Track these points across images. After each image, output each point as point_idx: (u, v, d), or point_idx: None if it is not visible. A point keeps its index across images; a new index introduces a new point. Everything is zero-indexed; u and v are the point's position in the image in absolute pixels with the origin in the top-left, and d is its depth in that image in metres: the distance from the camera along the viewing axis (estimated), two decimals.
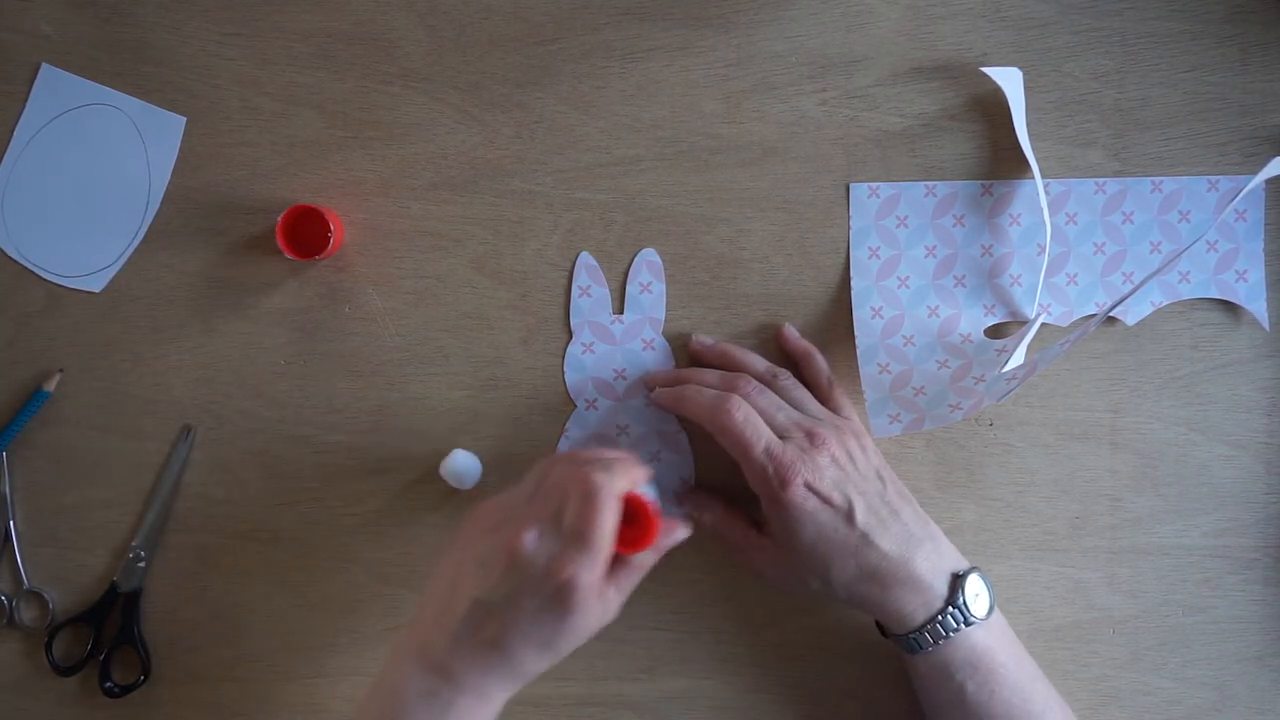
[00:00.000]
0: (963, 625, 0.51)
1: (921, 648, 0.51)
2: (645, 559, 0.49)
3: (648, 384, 0.58)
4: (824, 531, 0.51)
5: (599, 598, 0.46)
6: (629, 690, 0.60)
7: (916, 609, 0.51)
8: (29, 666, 0.60)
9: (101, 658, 0.59)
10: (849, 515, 0.51)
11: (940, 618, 0.51)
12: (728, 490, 0.58)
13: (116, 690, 0.59)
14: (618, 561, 0.48)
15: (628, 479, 0.47)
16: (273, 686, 0.60)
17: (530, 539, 0.45)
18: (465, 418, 0.59)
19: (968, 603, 0.51)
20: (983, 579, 0.52)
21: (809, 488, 0.51)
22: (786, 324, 0.59)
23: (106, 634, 0.59)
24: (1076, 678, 0.60)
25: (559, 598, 0.45)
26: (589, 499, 0.45)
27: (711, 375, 0.56)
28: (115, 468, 0.59)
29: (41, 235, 0.59)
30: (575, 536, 0.45)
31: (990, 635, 0.52)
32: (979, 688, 0.51)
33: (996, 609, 0.53)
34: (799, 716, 0.60)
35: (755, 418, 0.52)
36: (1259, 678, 0.60)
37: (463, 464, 0.57)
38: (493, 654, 0.46)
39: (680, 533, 0.50)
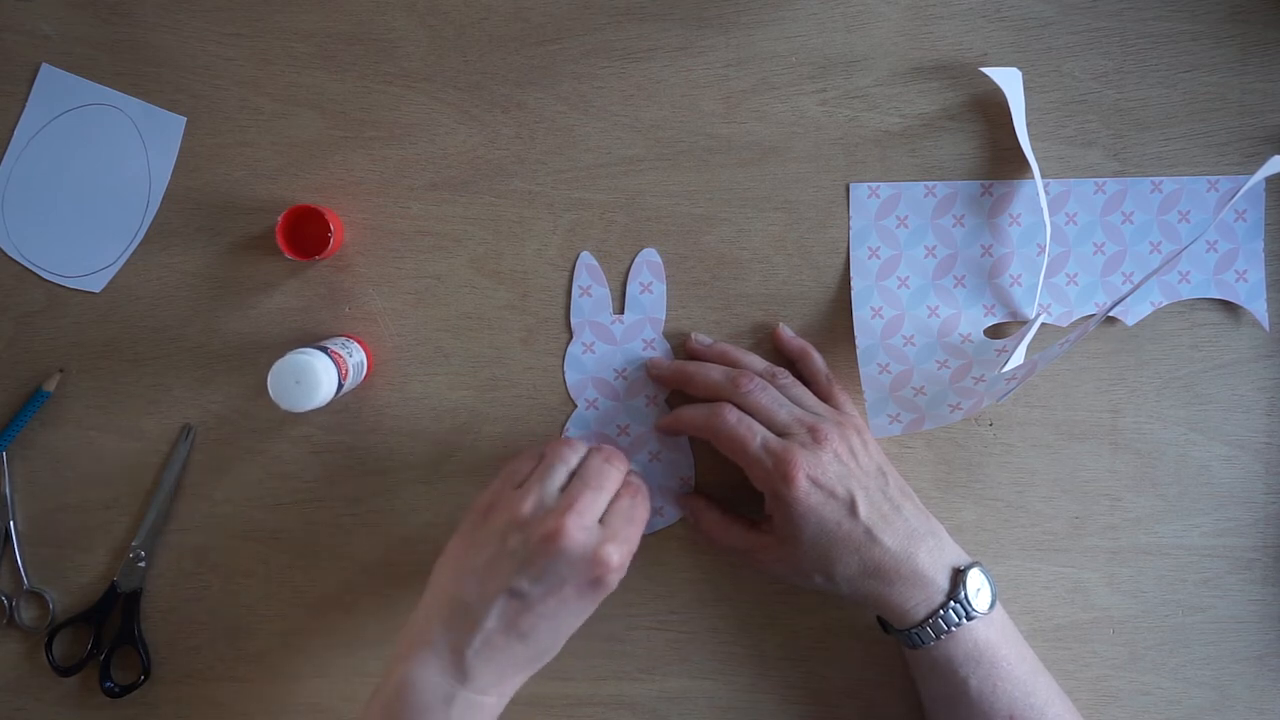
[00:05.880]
0: (964, 620, 0.51)
1: (924, 642, 0.51)
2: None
3: (650, 369, 0.58)
4: (826, 525, 0.51)
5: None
6: (629, 690, 0.60)
7: (919, 604, 0.51)
8: (29, 666, 0.60)
9: (101, 658, 0.59)
10: (852, 509, 0.51)
11: (942, 612, 0.51)
12: (729, 489, 0.58)
13: (116, 690, 0.59)
14: None
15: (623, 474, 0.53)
16: (273, 686, 0.60)
17: (576, 528, 0.48)
18: (465, 418, 0.59)
19: (969, 597, 0.51)
20: (984, 573, 0.52)
21: (812, 481, 0.51)
22: (781, 324, 0.59)
23: (106, 634, 0.59)
24: (1076, 678, 0.60)
25: (599, 581, 0.48)
26: (642, 498, 0.52)
27: (716, 369, 0.56)
28: (115, 468, 0.59)
29: (41, 235, 0.59)
30: (626, 527, 0.49)
31: (992, 629, 0.52)
32: (981, 682, 0.51)
33: (998, 603, 0.53)
34: (799, 716, 0.60)
35: (748, 418, 0.53)
36: (1259, 678, 0.60)
37: (303, 366, 0.51)
38: (519, 646, 0.48)
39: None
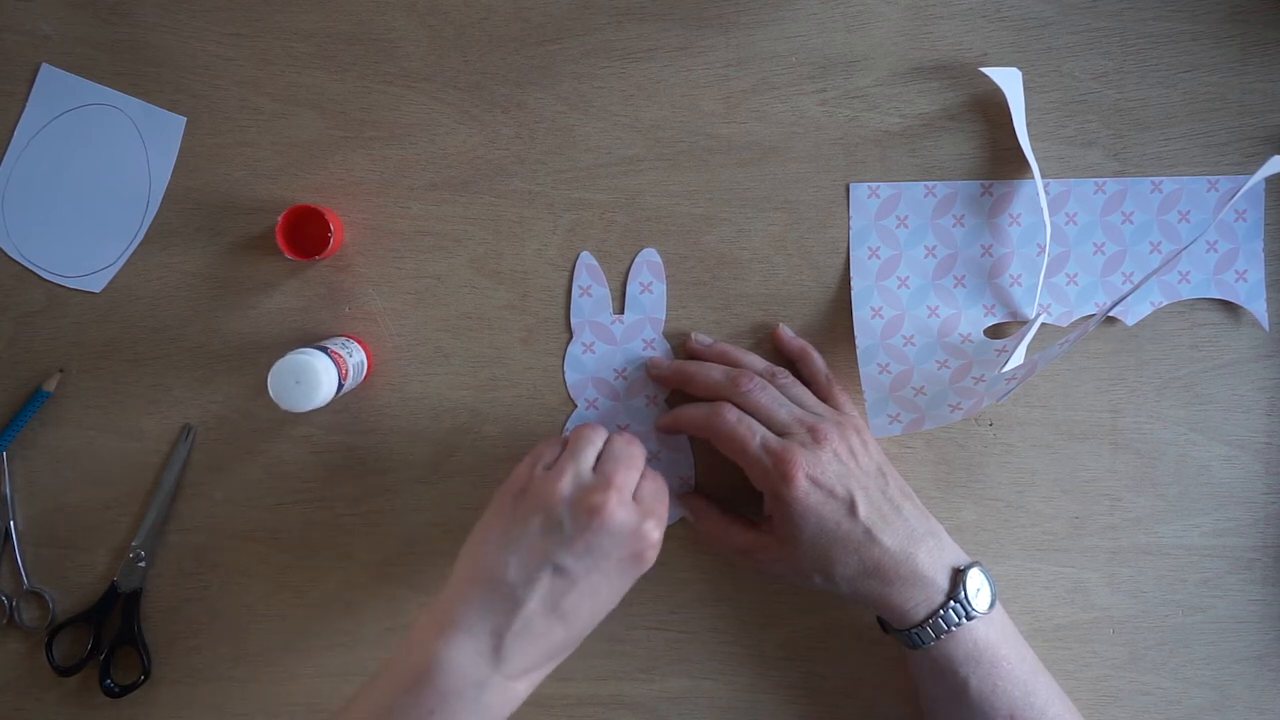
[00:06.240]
0: (964, 620, 0.51)
1: (923, 643, 0.51)
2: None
3: (650, 369, 0.58)
4: (826, 525, 0.51)
5: None
6: (629, 690, 0.60)
7: (918, 604, 0.51)
8: (29, 666, 0.60)
9: (101, 658, 0.59)
10: (851, 509, 0.51)
11: (942, 612, 0.51)
12: (730, 489, 0.58)
13: (116, 690, 0.59)
14: None
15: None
16: (273, 686, 0.60)
17: (618, 503, 0.48)
18: (465, 418, 0.59)
19: (969, 597, 0.51)
20: (984, 573, 0.52)
21: (812, 481, 0.51)
22: (781, 324, 0.59)
23: (106, 634, 0.59)
24: (1076, 678, 0.60)
25: (640, 557, 0.49)
26: (662, 481, 0.52)
27: (716, 368, 0.56)
28: (115, 468, 0.59)
29: (41, 235, 0.59)
30: (658, 506, 0.50)
31: (992, 629, 0.52)
32: (982, 682, 0.51)
33: (998, 603, 0.53)
34: (799, 716, 0.60)
35: (747, 418, 0.53)
36: (1259, 678, 0.60)
37: (303, 366, 0.51)
38: (558, 627, 0.48)
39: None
